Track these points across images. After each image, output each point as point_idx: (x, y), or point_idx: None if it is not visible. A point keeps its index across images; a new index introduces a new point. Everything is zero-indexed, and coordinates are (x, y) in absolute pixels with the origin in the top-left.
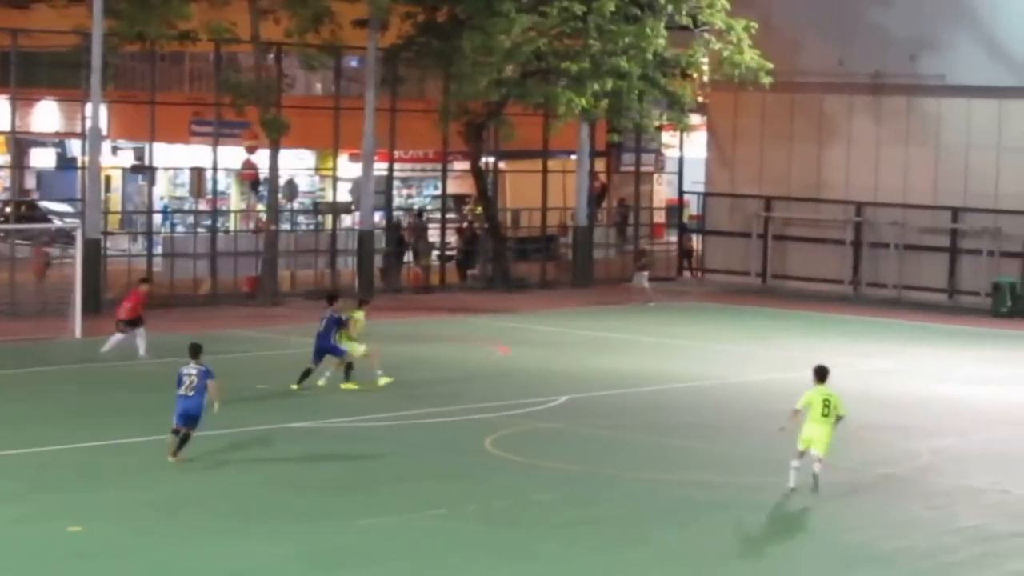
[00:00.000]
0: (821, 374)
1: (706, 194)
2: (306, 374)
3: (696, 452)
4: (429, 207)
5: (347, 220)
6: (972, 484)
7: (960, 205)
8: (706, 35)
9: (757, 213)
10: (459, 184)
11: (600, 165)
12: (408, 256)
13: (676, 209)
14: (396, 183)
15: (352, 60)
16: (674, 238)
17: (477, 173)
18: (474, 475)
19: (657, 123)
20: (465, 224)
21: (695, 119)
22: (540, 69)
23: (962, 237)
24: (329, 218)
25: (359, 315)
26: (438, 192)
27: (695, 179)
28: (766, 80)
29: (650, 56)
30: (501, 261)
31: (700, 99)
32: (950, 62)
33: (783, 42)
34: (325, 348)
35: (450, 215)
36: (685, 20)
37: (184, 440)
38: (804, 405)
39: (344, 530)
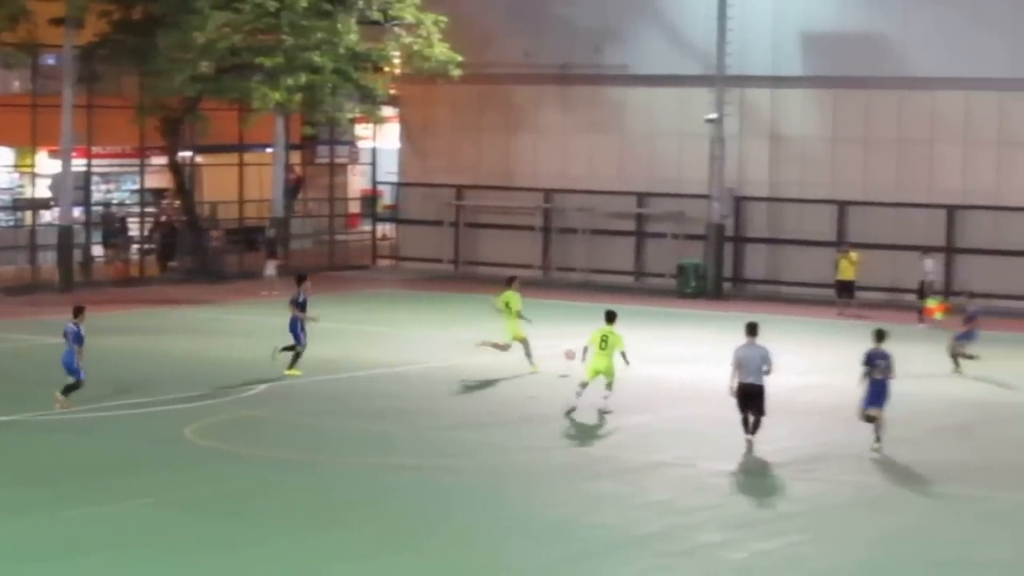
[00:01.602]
0: (609, 316)
1: (400, 184)
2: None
3: (398, 436)
4: (128, 201)
5: (47, 216)
6: (661, 459)
7: (645, 190)
8: (397, 29)
9: (449, 202)
10: (158, 178)
11: (296, 158)
12: (104, 250)
13: (370, 199)
14: (95, 178)
15: (49, 58)
16: (368, 228)
17: (175, 167)
18: (178, 464)
19: (350, 116)
20: (164, 218)
21: (388, 111)
22: (235, 64)
23: (647, 221)
24: (29, 214)
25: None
26: (137, 186)
27: (389, 170)
28: (456, 72)
29: (342, 51)
30: (200, 253)
31: (392, 92)
32: (633, 53)
33: (473, 35)
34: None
35: (150, 209)
36: (377, 15)
37: None
38: (589, 342)
39: (50, 522)
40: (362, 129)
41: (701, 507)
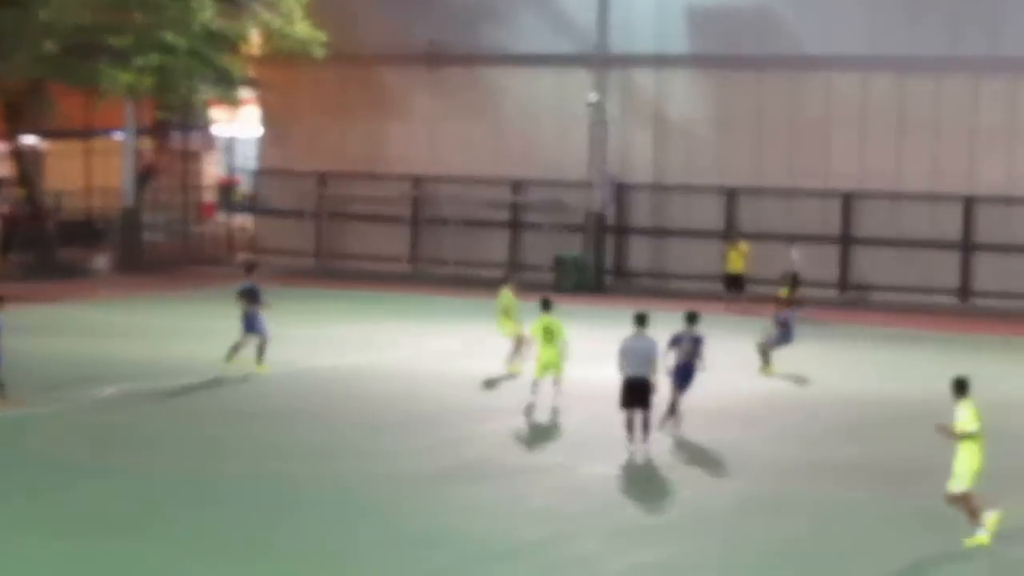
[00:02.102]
0: (546, 304)
1: (258, 171)
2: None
3: (261, 441)
4: None
5: None
6: (541, 463)
7: (521, 178)
8: (256, 7)
9: (311, 190)
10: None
11: (147, 144)
12: None
13: (227, 189)
14: None
15: None
16: (225, 218)
17: (16, 154)
18: (6, 472)
19: (206, 99)
20: (7, 208)
21: (246, 94)
22: (82, 44)
23: (524, 211)
24: None
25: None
26: None
27: (247, 157)
28: (319, 52)
29: (197, 29)
30: (44, 246)
31: (251, 74)
32: (510, 32)
33: (339, 14)
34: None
35: None
36: None
37: None
38: (531, 335)
39: None
40: (218, 114)
41: (582, 514)
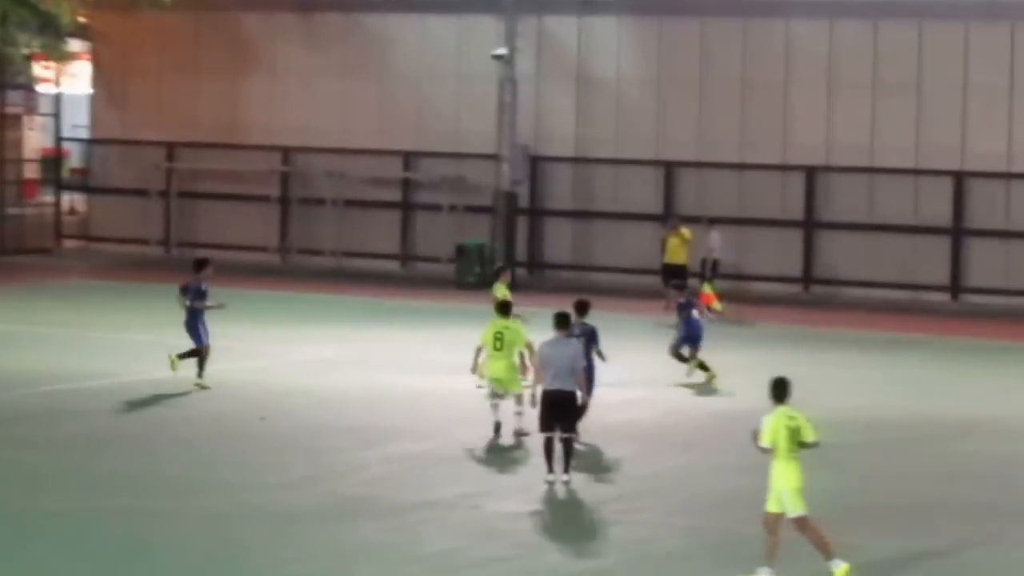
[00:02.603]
0: (503, 308)
1: (92, 141)
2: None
3: (88, 471)
4: None
5: None
6: (439, 498)
7: (414, 149)
8: None
9: (157, 164)
10: None
11: None
12: None
13: (53, 161)
14: None
15: None
16: (51, 198)
17: None
18: None
19: (27, 51)
20: None
21: (77, 46)
22: None
23: (418, 190)
24: None
25: None
26: None
27: (78, 122)
28: None
29: None
30: None
31: (82, 21)
32: None
33: None
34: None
35: None
36: None
37: None
38: (482, 342)
39: None
40: (42, 70)
41: (489, 560)
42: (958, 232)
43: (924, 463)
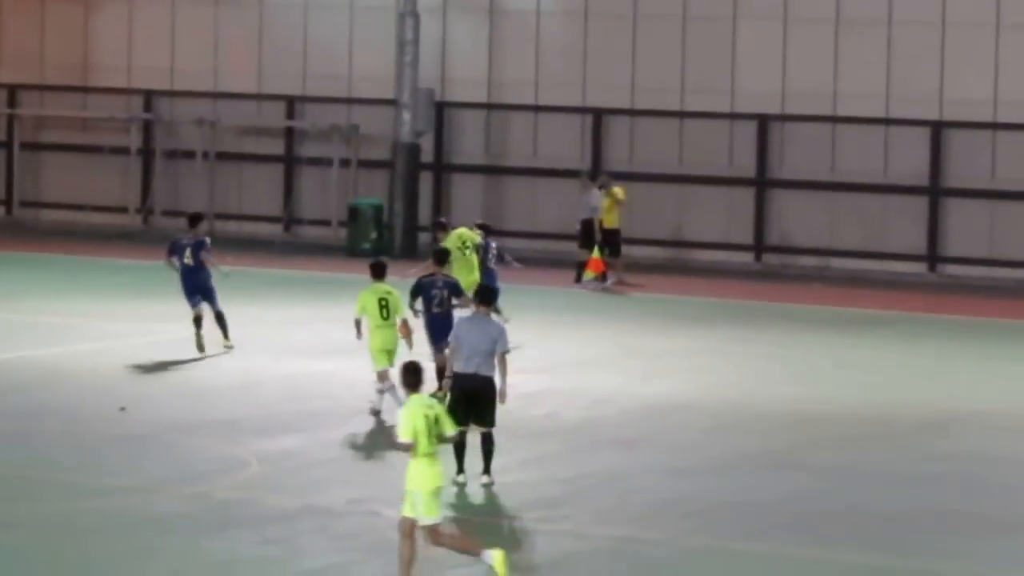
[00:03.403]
0: (378, 270)
1: None
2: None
3: None
4: None
5: None
6: (326, 504)
7: (298, 94)
8: None
9: None
10: None
11: None
12: None
13: None
14: None
15: None
16: None
17: None
18: None
19: None
20: None
21: None
22: None
23: (303, 141)
24: None
25: None
26: None
27: None
28: None
29: None
30: None
31: None
32: None
33: None
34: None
35: None
36: None
37: None
38: (360, 311)
39: None
40: None
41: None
42: (935, 192)
43: (899, 463)
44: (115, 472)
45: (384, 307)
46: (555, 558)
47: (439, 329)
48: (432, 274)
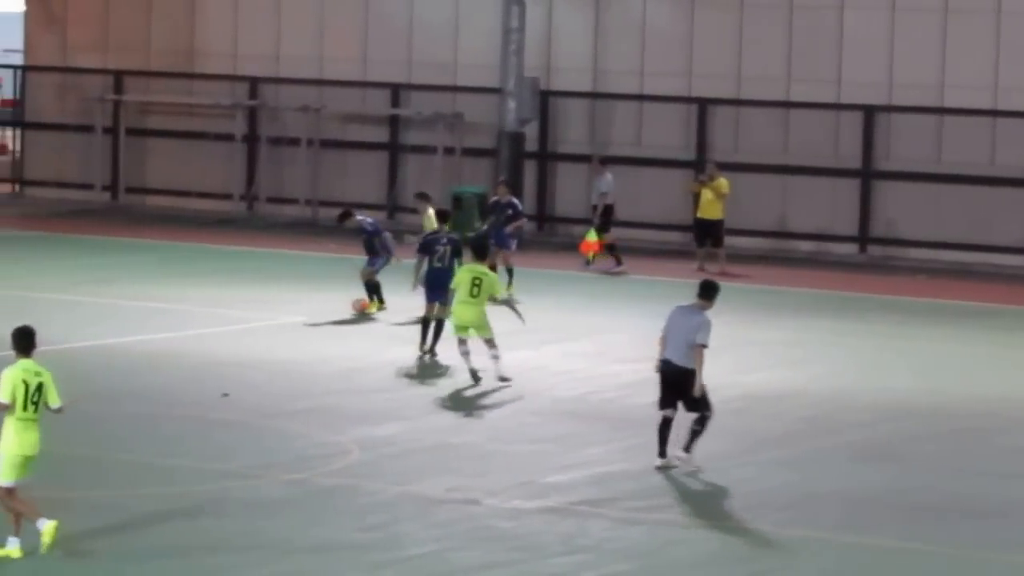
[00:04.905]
0: (479, 249)
1: (25, 68)
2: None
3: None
4: None
5: None
6: (424, 492)
7: (403, 81)
8: None
9: (103, 96)
10: None
11: None
12: None
13: None
14: None
15: None
16: None
17: None
18: None
19: None
20: None
21: None
22: None
23: (407, 128)
24: None
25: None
26: None
27: (9, 46)
28: None
29: None
30: None
31: None
32: None
33: None
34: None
35: None
36: None
37: None
38: (456, 284)
39: None
40: None
41: (482, 567)
42: None
43: (1003, 457)
44: (216, 457)
45: (476, 286)
46: (655, 547)
47: (437, 283)
48: (436, 231)
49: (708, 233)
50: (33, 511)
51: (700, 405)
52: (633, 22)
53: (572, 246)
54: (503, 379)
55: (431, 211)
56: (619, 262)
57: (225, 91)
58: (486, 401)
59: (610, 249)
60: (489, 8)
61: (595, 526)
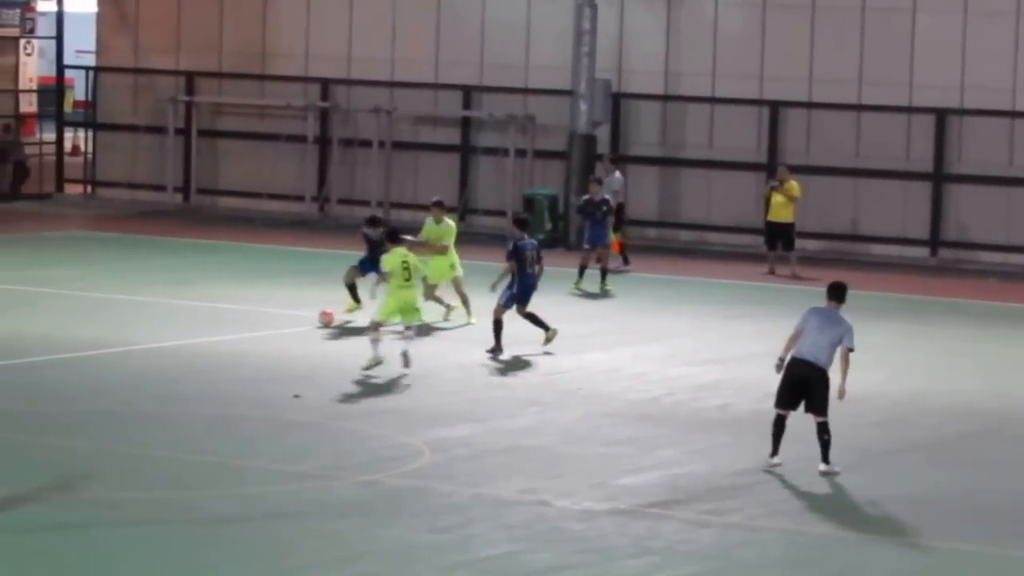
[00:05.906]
0: (393, 236)
1: (98, 69)
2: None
3: (94, 454)
4: None
5: None
6: (496, 494)
7: (475, 83)
8: None
9: (175, 97)
10: None
11: None
12: None
13: (54, 92)
14: None
15: None
16: (51, 136)
17: None
18: None
19: None
20: None
21: None
22: None
23: (479, 130)
24: None
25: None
26: None
27: (83, 47)
28: None
29: None
30: None
31: None
32: None
33: None
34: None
35: None
36: None
37: None
38: (389, 269)
39: None
40: None
41: (553, 568)
42: None
43: None
44: (289, 458)
45: (406, 270)
46: (725, 550)
47: (531, 288)
48: (522, 238)
49: (779, 236)
50: None
51: (823, 408)
52: (705, 24)
53: (643, 249)
54: (406, 364)
55: (449, 221)
56: (627, 261)
57: (297, 93)
58: (559, 403)
59: (620, 248)
60: (561, 10)
61: (666, 528)
